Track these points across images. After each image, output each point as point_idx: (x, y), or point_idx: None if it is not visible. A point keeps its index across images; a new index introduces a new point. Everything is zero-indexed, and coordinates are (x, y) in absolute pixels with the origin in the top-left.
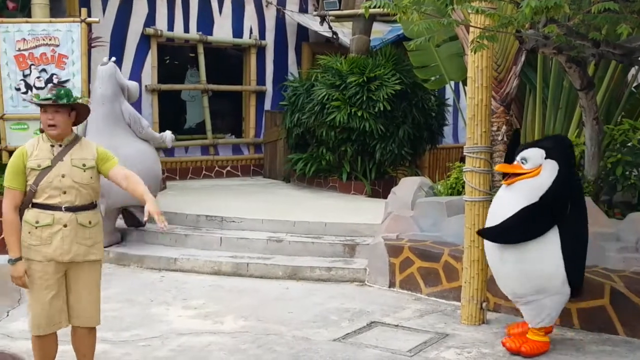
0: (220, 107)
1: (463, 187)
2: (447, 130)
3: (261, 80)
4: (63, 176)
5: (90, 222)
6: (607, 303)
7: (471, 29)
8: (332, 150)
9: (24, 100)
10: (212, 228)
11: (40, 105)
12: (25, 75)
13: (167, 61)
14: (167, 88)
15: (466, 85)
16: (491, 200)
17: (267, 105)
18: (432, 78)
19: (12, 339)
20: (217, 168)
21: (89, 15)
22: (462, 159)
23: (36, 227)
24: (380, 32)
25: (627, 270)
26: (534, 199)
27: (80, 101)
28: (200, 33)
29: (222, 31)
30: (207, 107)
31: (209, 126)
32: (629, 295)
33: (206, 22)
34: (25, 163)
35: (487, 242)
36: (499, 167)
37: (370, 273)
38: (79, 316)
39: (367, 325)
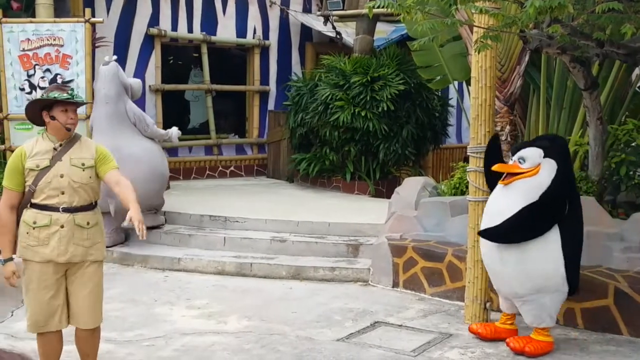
0: (224, 107)
1: (467, 187)
2: (451, 130)
3: (265, 80)
4: (62, 176)
5: (88, 223)
6: (611, 303)
7: (475, 28)
8: (335, 150)
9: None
10: (216, 228)
11: (61, 105)
12: (29, 76)
13: (171, 61)
14: (171, 88)
15: (470, 85)
16: None
17: (271, 105)
18: (436, 78)
19: (16, 338)
20: (220, 168)
21: (93, 16)
22: (466, 159)
23: (34, 228)
24: (384, 32)
25: (631, 270)
26: (534, 198)
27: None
28: (204, 33)
29: (225, 31)
30: (211, 107)
31: (212, 126)
32: (633, 295)
33: (210, 22)
34: (23, 163)
35: (485, 243)
36: (497, 167)
37: (374, 273)
38: (78, 317)
39: (371, 325)
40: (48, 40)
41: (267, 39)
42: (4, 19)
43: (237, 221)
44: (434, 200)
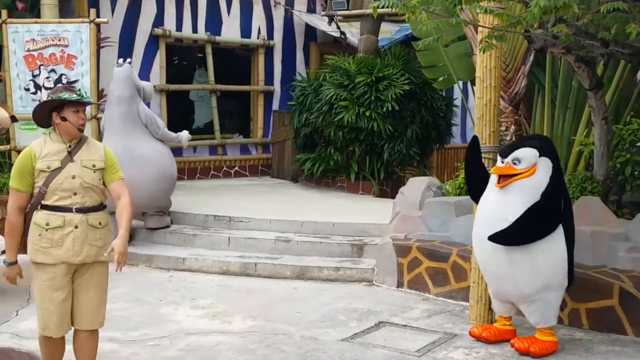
0: (229, 107)
1: None
2: (455, 130)
3: (269, 80)
4: (74, 177)
5: (100, 223)
6: (616, 303)
7: (480, 28)
8: (340, 150)
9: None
10: (220, 228)
11: (72, 106)
12: (34, 76)
13: (176, 61)
14: (176, 88)
15: (474, 85)
16: None
17: (275, 105)
18: (441, 78)
19: (21, 337)
20: (225, 168)
21: (98, 16)
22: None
23: (47, 230)
24: (389, 32)
25: (636, 271)
26: (535, 197)
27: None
28: (209, 33)
29: (230, 31)
30: (215, 107)
31: (217, 126)
32: (638, 295)
33: (214, 23)
34: (33, 164)
35: (489, 248)
36: (495, 170)
37: (379, 273)
38: (82, 318)
39: (375, 325)
40: (53, 40)
41: (272, 39)
42: (9, 20)
43: (241, 221)
44: (439, 200)
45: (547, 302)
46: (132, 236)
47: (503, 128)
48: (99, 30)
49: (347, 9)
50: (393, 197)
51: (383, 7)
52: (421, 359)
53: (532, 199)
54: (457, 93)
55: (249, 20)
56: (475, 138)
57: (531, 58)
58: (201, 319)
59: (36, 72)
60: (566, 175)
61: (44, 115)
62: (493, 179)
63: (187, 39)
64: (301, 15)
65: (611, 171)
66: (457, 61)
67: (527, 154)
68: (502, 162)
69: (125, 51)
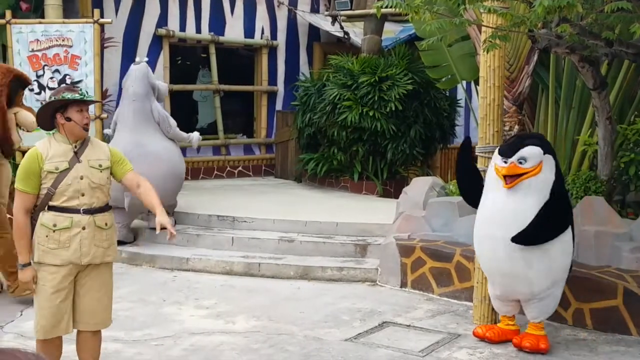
0: (232, 107)
1: None
2: (459, 130)
3: (273, 80)
4: (81, 178)
5: (106, 224)
6: (620, 303)
7: (483, 28)
8: (343, 150)
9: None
10: (224, 228)
11: (76, 105)
12: (38, 76)
13: (179, 62)
14: (179, 88)
15: (478, 84)
16: None
17: (279, 106)
18: (444, 78)
19: (25, 337)
20: (228, 168)
21: (102, 16)
22: (474, 159)
23: (54, 231)
24: (392, 31)
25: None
26: (545, 195)
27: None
28: (212, 33)
29: (233, 31)
30: (219, 107)
31: (220, 126)
32: None
33: (218, 23)
34: (41, 166)
35: (504, 248)
36: (501, 171)
37: (382, 273)
38: (88, 319)
39: (379, 325)
40: (57, 40)
41: (275, 39)
42: (13, 20)
43: (245, 221)
44: (442, 200)
45: (555, 297)
46: (135, 236)
47: (507, 128)
48: (102, 31)
49: (351, 9)
50: (396, 197)
51: (386, 7)
52: (425, 359)
53: (544, 197)
54: (461, 93)
55: (252, 21)
56: (467, 138)
57: (535, 58)
58: (205, 318)
59: (40, 72)
60: (570, 175)
61: (47, 117)
62: (491, 179)
63: (191, 39)
64: (304, 16)
65: (615, 171)
66: (461, 61)
67: (532, 153)
68: (505, 162)
69: (129, 51)
